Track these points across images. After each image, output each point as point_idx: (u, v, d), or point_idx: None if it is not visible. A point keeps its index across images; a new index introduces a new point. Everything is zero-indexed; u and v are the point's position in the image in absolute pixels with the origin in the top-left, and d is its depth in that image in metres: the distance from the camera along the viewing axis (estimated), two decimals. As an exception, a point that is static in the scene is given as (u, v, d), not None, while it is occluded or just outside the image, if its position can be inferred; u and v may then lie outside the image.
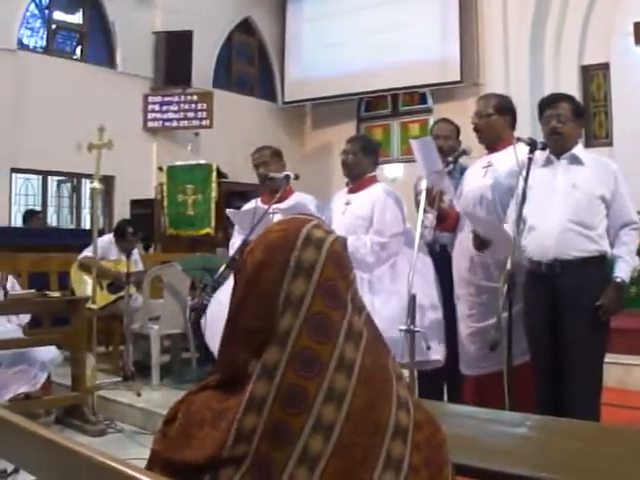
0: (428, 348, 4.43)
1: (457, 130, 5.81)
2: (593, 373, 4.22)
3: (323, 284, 1.38)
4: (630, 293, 9.42)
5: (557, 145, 4.37)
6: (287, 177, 5.42)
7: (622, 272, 4.22)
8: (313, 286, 1.37)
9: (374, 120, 14.93)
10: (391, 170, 13.66)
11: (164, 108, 13.04)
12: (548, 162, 4.42)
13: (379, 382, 1.39)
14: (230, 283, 1.49)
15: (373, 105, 14.96)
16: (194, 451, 1.35)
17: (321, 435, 1.30)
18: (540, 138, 4.46)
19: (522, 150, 4.25)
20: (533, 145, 4.21)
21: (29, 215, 11.52)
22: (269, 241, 1.43)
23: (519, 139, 4.31)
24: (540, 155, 4.39)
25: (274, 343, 1.34)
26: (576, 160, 4.35)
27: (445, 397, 5.49)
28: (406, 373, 4.33)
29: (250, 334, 1.39)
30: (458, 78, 12.99)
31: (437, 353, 4.93)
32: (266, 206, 5.27)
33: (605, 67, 11.99)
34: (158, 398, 6.78)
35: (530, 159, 4.15)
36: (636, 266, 4.25)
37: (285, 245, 1.41)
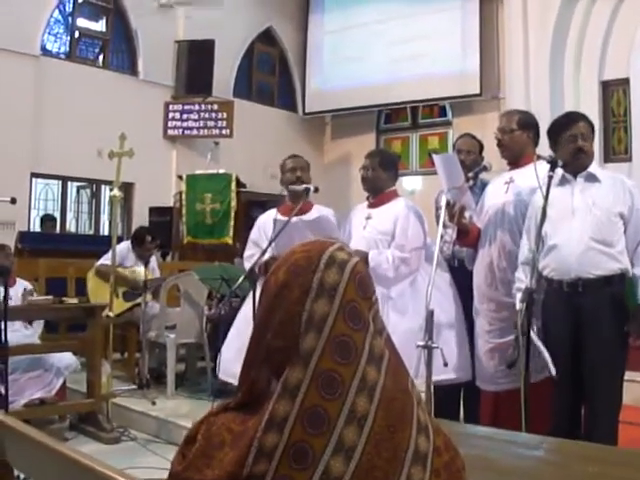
0: (445, 365, 4.42)
1: (480, 146, 5.82)
2: (613, 392, 4.19)
3: (345, 305, 1.38)
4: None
5: (581, 164, 4.36)
6: (307, 190, 5.41)
7: None
8: (336, 307, 1.37)
9: (393, 132, 14.97)
10: (410, 182, 13.67)
11: (184, 116, 13.09)
12: (564, 181, 4.41)
13: (400, 405, 1.39)
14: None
15: (393, 117, 14.99)
16: (214, 471, 1.35)
17: (342, 457, 1.30)
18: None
19: (543, 168, 4.24)
20: (554, 163, 4.20)
21: (43, 220, 11.61)
22: (293, 262, 1.43)
23: (539, 157, 4.29)
24: (555, 174, 4.38)
25: (296, 363, 1.34)
26: (593, 178, 4.33)
27: (462, 412, 5.49)
28: (423, 388, 4.33)
29: (273, 353, 1.39)
30: (478, 91, 13.01)
31: (453, 372, 4.92)
32: (285, 218, 5.25)
33: (625, 82, 12.00)
34: (173, 407, 6.78)
35: (550, 177, 4.13)
36: None
37: (308, 266, 1.41)
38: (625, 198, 4.24)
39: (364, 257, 5.17)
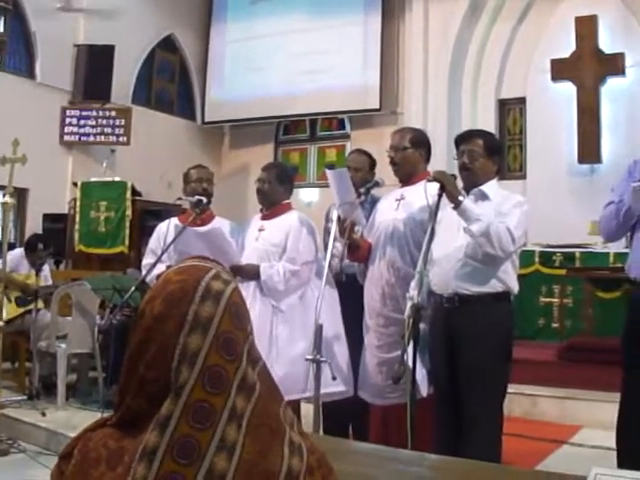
0: (334, 379, 4.48)
1: (371, 162, 5.85)
2: (491, 407, 4.24)
3: (220, 336, 1.38)
4: (538, 325, 9.67)
5: (467, 181, 4.42)
6: (199, 201, 5.41)
7: (469, 203, 4.20)
8: (209, 339, 1.37)
9: (292, 144, 14.99)
10: (307, 194, 13.72)
11: (82, 122, 12.86)
12: None
13: (269, 431, 1.41)
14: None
15: (292, 129, 15.02)
16: None
17: None
18: (455, 171, 4.53)
19: (434, 185, 4.31)
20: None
21: None
22: (168, 293, 1.42)
23: (429, 179, 4.34)
24: None
25: (170, 396, 1.35)
26: (483, 196, 4.37)
27: (350, 430, 5.56)
28: (311, 405, 4.38)
29: (146, 384, 1.38)
30: (377, 106, 13.13)
31: (343, 384, 4.99)
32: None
33: (522, 102, 12.34)
34: (63, 418, 6.69)
35: (439, 196, 4.18)
36: (481, 227, 4.10)
37: (184, 298, 1.40)
38: (506, 210, 4.27)
39: (255, 270, 5.21)
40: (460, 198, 4.13)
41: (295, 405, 4.93)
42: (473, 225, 4.12)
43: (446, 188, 4.13)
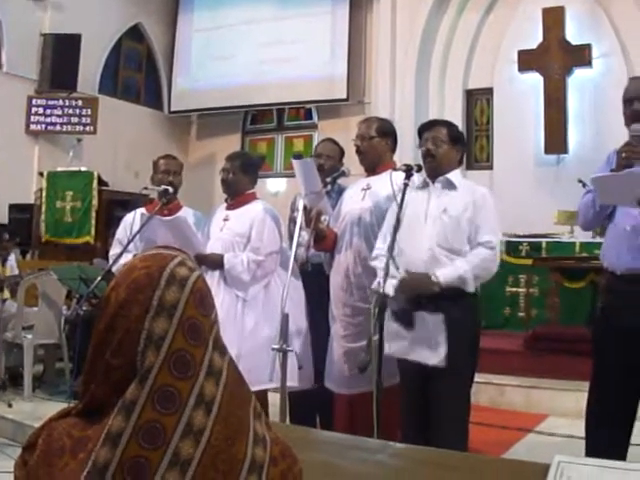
0: (300, 368, 4.49)
1: (341, 151, 5.88)
2: (458, 396, 4.24)
3: (185, 322, 1.39)
4: (505, 315, 9.72)
5: (430, 168, 4.41)
6: (165, 191, 5.41)
7: (441, 271, 4.15)
8: (175, 324, 1.38)
9: (259, 133, 14.97)
10: (274, 184, 13.71)
11: (48, 112, 12.76)
12: (424, 185, 4.45)
13: (237, 419, 1.41)
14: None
15: (259, 119, 14.99)
16: None
17: (177, 471, 1.31)
18: (420, 161, 4.55)
19: (400, 175, 4.33)
20: (409, 171, 4.29)
21: None
22: (133, 279, 1.42)
23: (395, 168, 4.35)
24: (418, 177, 4.45)
25: (135, 381, 1.34)
26: (449, 185, 4.37)
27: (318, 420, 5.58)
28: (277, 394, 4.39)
29: (112, 371, 1.38)
30: (344, 96, 13.12)
31: (298, 380, 4.98)
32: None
33: (489, 92, 12.35)
34: (30, 409, 6.66)
35: (406, 185, 4.20)
36: (467, 279, 4.14)
37: (148, 284, 1.40)
38: (475, 205, 4.25)
39: (219, 260, 5.21)
40: (435, 283, 4.13)
41: (262, 395, 4.94)
42: (467, 278, 4.14)
43: (420, 291, 4.16)
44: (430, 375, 4.19)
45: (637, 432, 4.12)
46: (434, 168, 4.42)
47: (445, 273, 4.13)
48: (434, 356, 4.11)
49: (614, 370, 4.08)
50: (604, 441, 4.06)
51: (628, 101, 4.18)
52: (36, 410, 6.60)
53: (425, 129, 4.52)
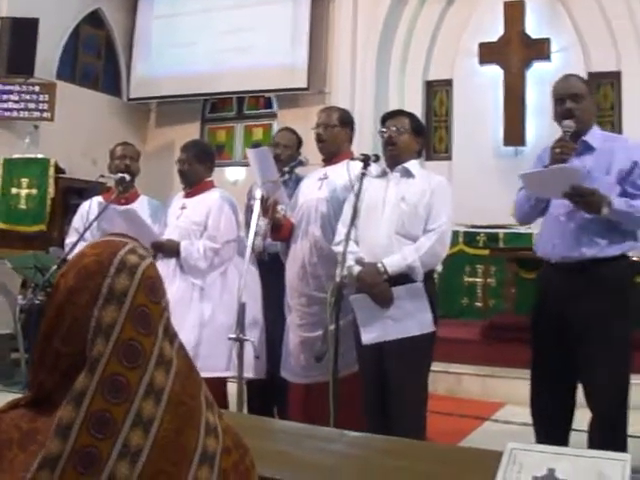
0: (257, 357, 4.48)
1: (298, 141, 5.89)
2: (415, 385, 4.27)
3: (135, 310, 1.37)
4: (462, 304, 9.79)
5: (391, 156, 4.47)
6: (122, 179, 5.40)
7: (389, 260, 4.21)
8: (124, 312, 1.36)
9: (218, 122, 14.85)
10: (233, 173, 13.65)
11: (4, 97, 12.59)
12: (383, 173, 4.51)
13: (188, 409, 1.40)
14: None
15: (218, 107, 14.89)
16: (5, 474, 1.33)
17: (127, 461, 1.29)
18: (380, 151, 4.59)
19: (356, 165, 4.35)
20: (366, 160, 4.31)
21: None
22: (82, 266, 1.40)
23: (352, 158, 4.38)
24: (376, 167, 4.50)
25: (85, 370, 1.32)
26: (407, 173, 4.42)
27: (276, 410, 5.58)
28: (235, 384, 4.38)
29: (61, 358, 1.37)
30: (305, 85, 13.08)
31: (253, 372, 4.99)
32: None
33: (449, 84, 12.38)
34: (-17, 399, 6.57)
35: (363, 174, 4.23)
36: (415, 267, 4.19)
37: (98, 271, 1.38)
38: (431, 193, 4.32)
39: (175, 247, 5.19)
40: (382, 272, 4.20)
41: (221, 383, 4.94)
42: (415, 267, 4.19)
43: (375, 295, 4.21)
44: (390, 359, 4.22)
45: (581, 417, 4.17)
46: (394, 156, 4.47)
47: (393, 262, 4.19)
48: (420, 324, 4.17)
49: (551, 357, 4.16)
50: (548, 428, 4.15)
51: (559, 99, 4.27)
52: (-10, 400, 6.52)
53: (388, 117, 4.58)
